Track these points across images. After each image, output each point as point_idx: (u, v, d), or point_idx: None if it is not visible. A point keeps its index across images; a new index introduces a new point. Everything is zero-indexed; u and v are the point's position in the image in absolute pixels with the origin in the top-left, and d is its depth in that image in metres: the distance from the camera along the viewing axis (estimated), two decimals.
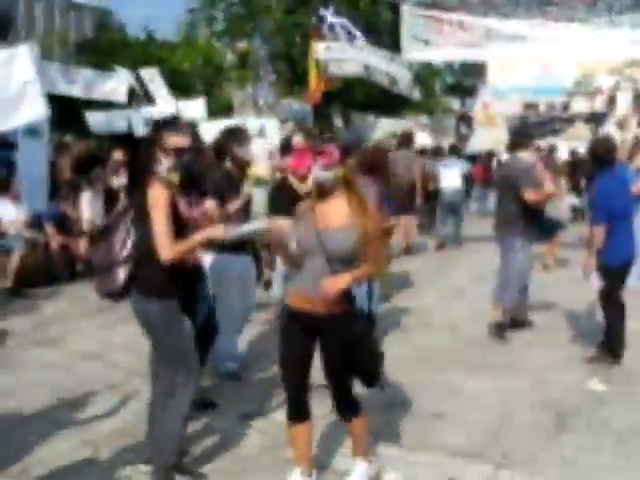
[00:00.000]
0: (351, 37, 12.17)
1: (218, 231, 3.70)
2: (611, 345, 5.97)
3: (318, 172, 3.52)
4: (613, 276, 5.87)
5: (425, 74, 32.26)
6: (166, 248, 3.57)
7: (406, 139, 12.26)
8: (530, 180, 6.54)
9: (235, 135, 5.43)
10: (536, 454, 4.32)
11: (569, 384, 5.53)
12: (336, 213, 3.53)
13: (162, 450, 3.77)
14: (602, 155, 6.01)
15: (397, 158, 11.34)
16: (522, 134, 7.75)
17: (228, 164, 5.35)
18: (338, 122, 24.73)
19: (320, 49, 11.79)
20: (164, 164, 3.69)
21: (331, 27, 12.19)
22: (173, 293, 3.73)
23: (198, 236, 3.69)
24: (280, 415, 4.38)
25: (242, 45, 30.99)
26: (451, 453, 4.30)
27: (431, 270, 10.51)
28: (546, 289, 8.32)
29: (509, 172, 6.79)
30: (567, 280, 8.69)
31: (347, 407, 3.76)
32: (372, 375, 3.76)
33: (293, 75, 27.39)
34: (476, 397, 5.26)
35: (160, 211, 3.58)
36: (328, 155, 3.47)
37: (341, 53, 11.86)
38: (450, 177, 12.71)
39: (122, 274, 3.71)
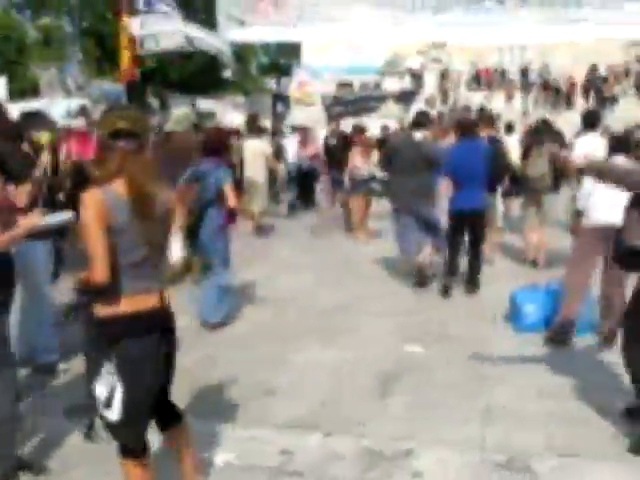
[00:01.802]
0: (168, 6, 11.68)
1: (35, 220, 3.46)
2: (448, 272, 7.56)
3: None
4: (451, 221, 7.51)
5: (242, 54, 32.17)
6: None
7: (254, 120, 12.57)
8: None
9: (33, 119, 5.35)
10: (364, 418, 4.48)
11: (391, 349, 5.79)
12: None
13: None
14: (466, 128, 7.60)
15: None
16: (424, 115, 8.76)
17: (25, 147, 5.12)
18: (154, 103, 24.07)
19: (134, 24, 11.17)
20: None
21: (146, 2, 11.63)
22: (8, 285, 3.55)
23: (21, 228, 3.39)
24: None
25: (46, 20, 29.15)
26: (283, 426, 4.36)
27: (262, 244, 10.59)
28: (362, 260, 8.64)
29: (427, 151, 7.77)
30: (387, 250, 9.08)
31: None
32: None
33: (103, 53, 26.23)
34: (306, 369, 5.36)
35: None
36: None
37: (158, 27, 11.32)
38: (292, 152, 14.55)
39: None
